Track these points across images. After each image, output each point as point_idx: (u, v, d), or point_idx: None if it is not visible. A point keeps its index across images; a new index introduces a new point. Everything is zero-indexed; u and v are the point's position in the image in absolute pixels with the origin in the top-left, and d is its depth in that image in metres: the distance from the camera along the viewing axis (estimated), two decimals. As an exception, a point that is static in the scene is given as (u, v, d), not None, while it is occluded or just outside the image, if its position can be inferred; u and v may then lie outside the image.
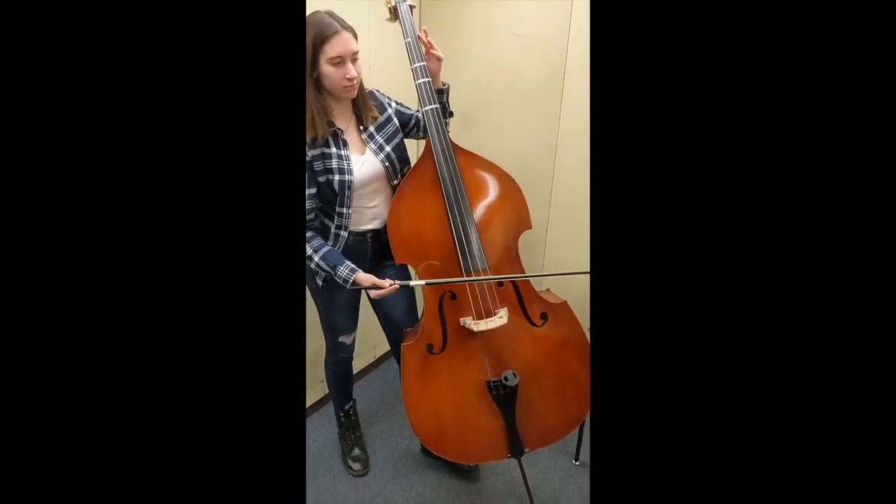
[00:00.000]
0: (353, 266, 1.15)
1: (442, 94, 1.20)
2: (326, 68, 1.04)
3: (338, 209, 1.15)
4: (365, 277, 1.14)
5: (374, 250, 1.27)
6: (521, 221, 1.20)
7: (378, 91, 1.24)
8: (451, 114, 1.26)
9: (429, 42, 1.15)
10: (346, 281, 1.14)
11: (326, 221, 1.19)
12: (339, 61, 1.04)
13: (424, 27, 1.15)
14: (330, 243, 1.19)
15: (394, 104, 1.26)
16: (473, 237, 1.14)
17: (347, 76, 1.05)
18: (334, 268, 1.14)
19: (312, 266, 1.17)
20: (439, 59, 1.17)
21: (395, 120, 1.23)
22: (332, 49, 1.02)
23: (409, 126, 1.27)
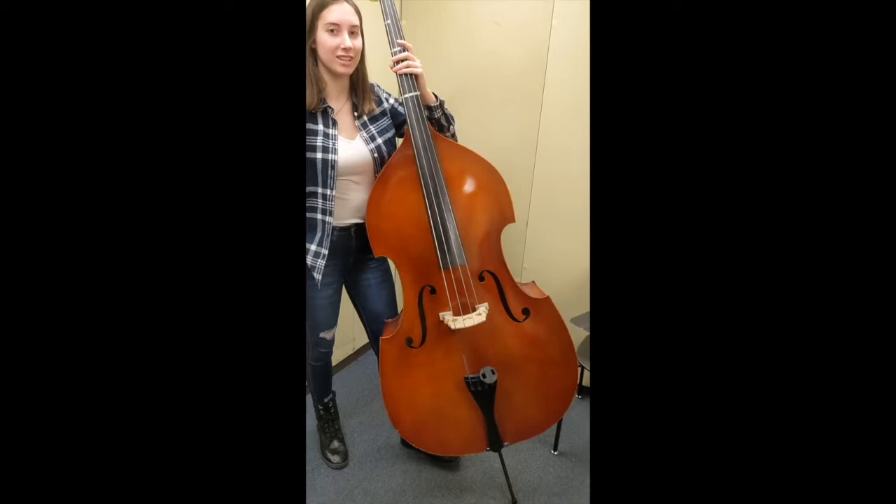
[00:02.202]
0: None
1: (433, 110, 1.14)
2: (322, 35, 1.04)
3: (320, 190, 1.12)
4: None
5: (358, 244, 1.24)
6: (504, 215, 1.17)
7: (377, 85, 1.22)
8: (452, 121, 1.21)
9: (406, 56, 1.08)
10: None
11: (310, 214, 1.16)
12: (334, 28, 1.03)
13: (402, 42, 1.09)
14: (318, 234, 1.16)
15: (391, 100, 1.23)
16: (452, 231, 1.11)
17: (342, 46, 1.04)
18: None
19: None
20: (416, 75, 1.09)
21: (389, 116, 1.21)
22: (329, 15, 1.02)
23: (404, 128, 1.23)
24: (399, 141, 1.24)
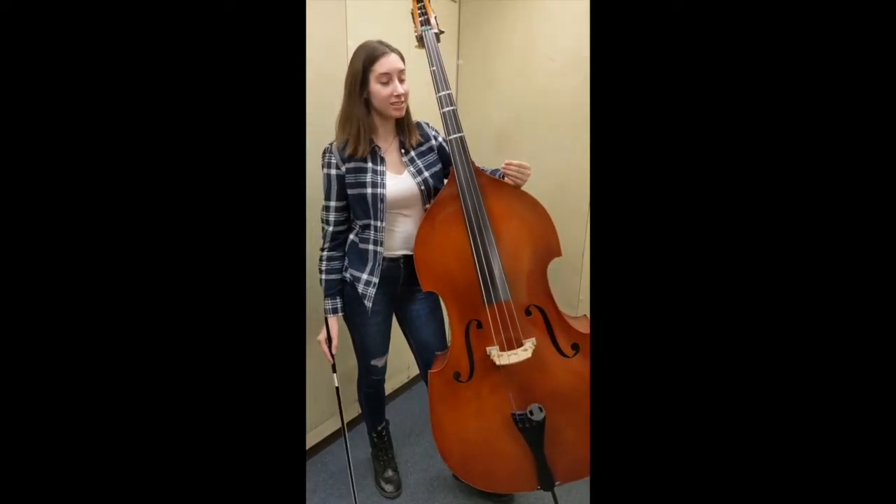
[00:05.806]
0: (337, 307, 1.28)
1: None
2: (375, 86, 1.13)
3: (372, 223, 1.21)
4: (331, 327, 1.27)
5: (406, 275, 1.29)
6: (550, 249, 1.17)
7: (427, 124, 1.29)
8: None
9: (521, 169, 1.13)
10: (325, 310, 1.28)
11: (363, 245, 1.24)
12: (387, 79, 1.12)
13: (508, 161, 1.15)
14: (370, 264, 1.23)
15: (440, 139, 1.29)
16: (496, 267, 1.12)
17: (395, 93, 1.13)
18: (325, 295, 1.27)
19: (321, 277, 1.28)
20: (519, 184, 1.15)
21: (437, 152, 1.27)
22: (380, 67, 1.11)
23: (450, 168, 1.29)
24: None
